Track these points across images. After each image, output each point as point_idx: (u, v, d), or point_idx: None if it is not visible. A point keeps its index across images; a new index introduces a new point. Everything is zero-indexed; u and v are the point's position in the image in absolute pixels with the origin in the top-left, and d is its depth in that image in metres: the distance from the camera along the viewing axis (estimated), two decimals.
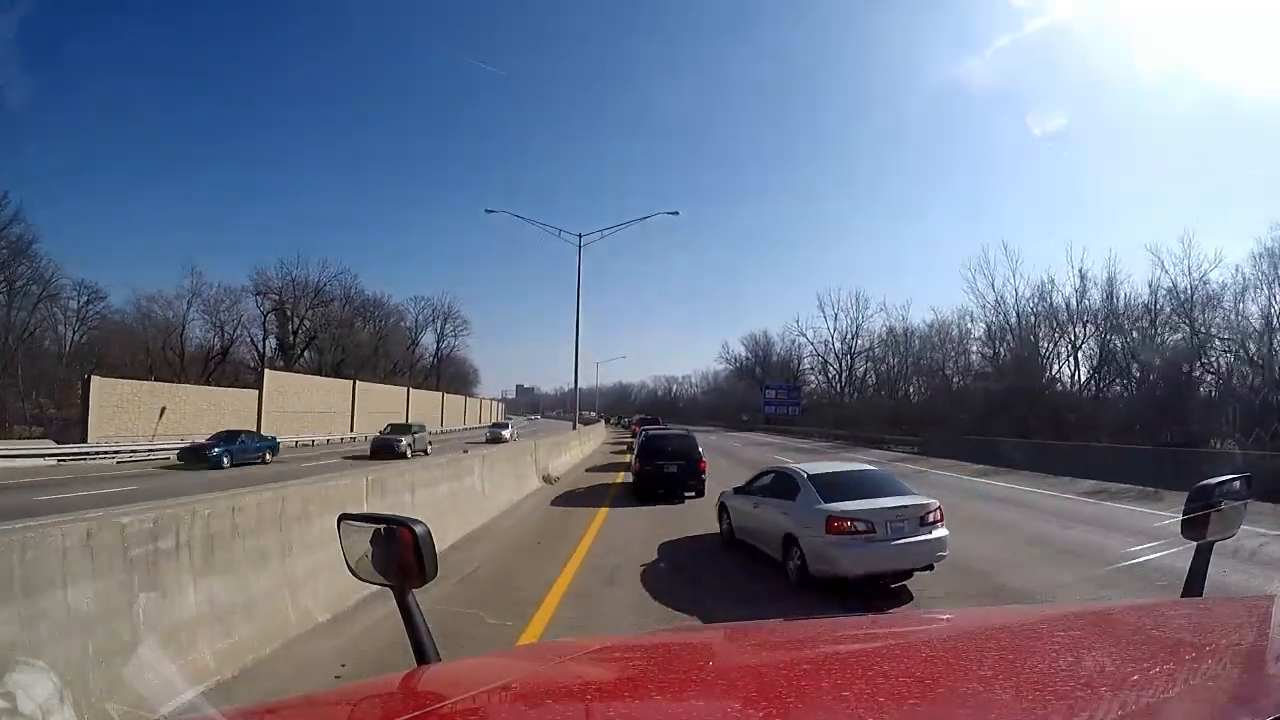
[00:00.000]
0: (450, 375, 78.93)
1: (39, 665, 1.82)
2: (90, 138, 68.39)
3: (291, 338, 56.42)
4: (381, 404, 51.23)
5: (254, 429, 31.93)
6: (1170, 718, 0.83)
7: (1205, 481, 1.63)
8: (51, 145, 61.24)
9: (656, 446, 14.27)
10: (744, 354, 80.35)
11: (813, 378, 69.61)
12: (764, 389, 66.50)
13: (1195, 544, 1.59)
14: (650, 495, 13.27)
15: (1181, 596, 1.57)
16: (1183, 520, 1.61)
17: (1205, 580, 1.57)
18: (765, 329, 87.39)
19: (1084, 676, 0.95)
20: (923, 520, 6.61)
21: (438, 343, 76.58)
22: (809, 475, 7.46)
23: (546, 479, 16.07)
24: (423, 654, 1.30)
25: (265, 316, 54.29)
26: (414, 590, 1.34)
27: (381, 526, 1.39)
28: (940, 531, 6.69)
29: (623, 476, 17.47)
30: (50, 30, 54.23)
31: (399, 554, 1.33)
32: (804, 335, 69.83)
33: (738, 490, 8.91)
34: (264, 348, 53.81)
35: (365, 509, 6.17)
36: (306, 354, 56.81)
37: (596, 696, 1.07)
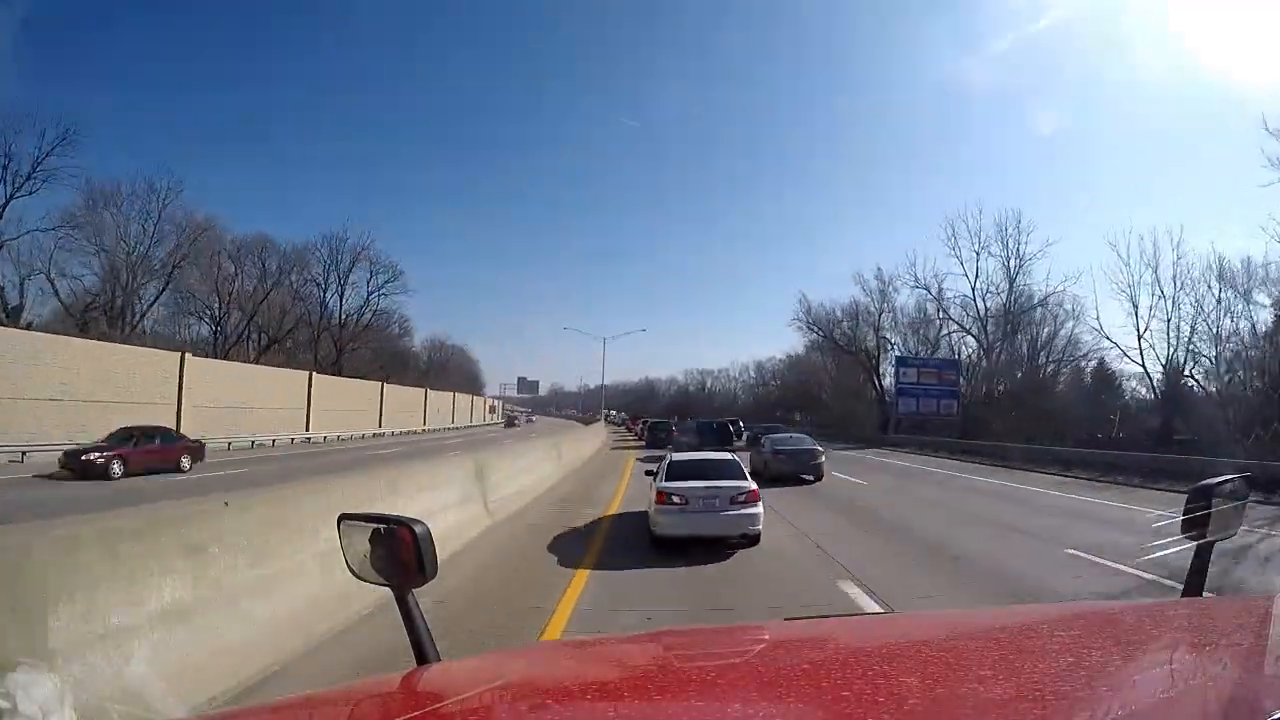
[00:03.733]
0: (400, 367, 58.51)
1: (39, 665, 1.83)
2: None
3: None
4: (133, 387, 26.54)
5: None
6: (1170, 718, 0.83)
7: (1204, 481, 1.63)
8: None
9: (654, 426, 35.59)
10: (815, 317, 51.22)
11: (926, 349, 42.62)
12: (898, 366, 39.53)
13: (1195, 544, 1.59)
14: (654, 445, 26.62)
15: (1181, 596, 1.57)
16: (1182, 520, 1.61)
17: (1205, 580, 1.57)
18: (878, 263, 56.43)
19: (1084, 676, 0.95)
20: (734, 499, 8.04)
21: (340, 299, 53.05)
22: (671, 460, 9.37)
23: None
24: (423, 654, 1.30)
25: None
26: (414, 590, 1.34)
27: (381, 526, 1.39)
28: (751, 509, 8.04)
29: None
30: None
31: (399, 554, 1.34)
32: (926, 288, 41.89)
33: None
34: None
35: None
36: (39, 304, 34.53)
37: (596, 696, 1.07)
